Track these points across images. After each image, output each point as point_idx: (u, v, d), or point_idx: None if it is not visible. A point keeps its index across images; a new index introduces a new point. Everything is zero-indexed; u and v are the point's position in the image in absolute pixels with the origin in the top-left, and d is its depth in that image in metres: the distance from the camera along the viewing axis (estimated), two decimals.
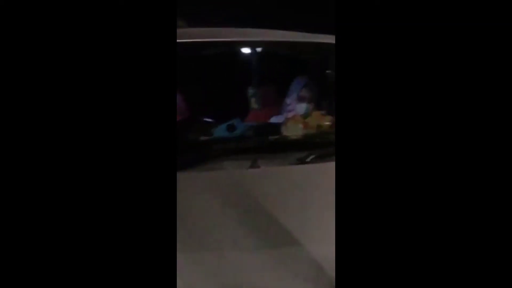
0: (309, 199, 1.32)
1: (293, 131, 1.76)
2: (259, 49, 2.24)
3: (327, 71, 2.38)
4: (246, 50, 2.27)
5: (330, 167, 1.54)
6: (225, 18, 2.50)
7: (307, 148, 1.58)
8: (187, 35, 1.83)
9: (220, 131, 1.69)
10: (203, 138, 1.64)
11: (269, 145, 1.66)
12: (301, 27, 2.16)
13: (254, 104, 2.27)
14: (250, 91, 2.30)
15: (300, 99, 2.06)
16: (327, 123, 1.88)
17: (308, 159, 1.52)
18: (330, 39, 2.10)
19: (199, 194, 0.94)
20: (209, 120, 1.84)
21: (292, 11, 3.88)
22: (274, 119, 2.06)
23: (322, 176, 1.47)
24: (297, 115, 1.98)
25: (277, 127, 1.81)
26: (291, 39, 2.09)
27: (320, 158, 1.54)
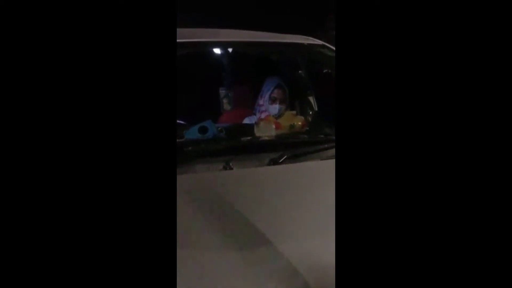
0: (282, 199, 1.31)
1: (266, 132, 1.76)
2: (230, 50, 2.23)
3: (299, 72, 2.39)
4: (217, 51, 2.26)
5: (303, 167, 1.56)
6: (196, 18, 2.48)
7: (280, 148, 1.58)
8: None
9: (192, 133, 1.67)
10: None
11: (241, 147, 1.65)
12: (273, 27, 2.16)
13: (226, 105, 2.26)
14: (222, 92, 2.29)
15: (272, 100, 2.06)
16: (299, 123, 1.88)
17: (281, 160, 1.52)
18: (301, 39, 2.11)
19: None
20: (181, 122, 1.82)
21: (264, 11, 3.88)
22: (246, 120, 2.06)
23: (296, 177, 1.47)
24: (270, 115, 1.98)
25: (249, 128, 1.81)
26: (262, 40, 2.09)
27: (293, 159, 1.54)
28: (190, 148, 1.58)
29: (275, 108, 2.03)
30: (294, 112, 2.10)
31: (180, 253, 1.04)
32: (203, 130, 1.66)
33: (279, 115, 1.97)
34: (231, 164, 1.47)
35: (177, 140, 1.63)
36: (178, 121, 1.80)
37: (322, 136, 1.78)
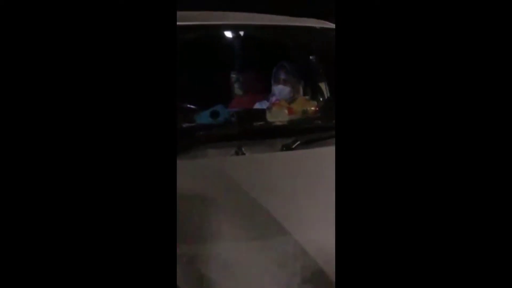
0: (295, 186, 1.30)
1: (278, 117, 1.74)
2: (242, 33, 2.20)
3: (311, 56, 2.36)
4: (228, 34, 2.23)
5: (316, 153, 1.54)
6: (207, 1, 2.45)
7: (293, 134, 1.56)
8: None
9: (203, 117, 1.66)
10: (185, 125, 1.61)
11: (253, 132, 1.63)
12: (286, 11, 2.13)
13: (237, 89, 2.24)
14: (233, 76, 2.26)
15: (285, 84, 2.03)
16: (312, 108, 1.86)
17: (294, 146, 1.50)
18: (313, 23, 2.08)
19: (182, 183, 0.91)
20: (192, 106, 1.80)
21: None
22: (258, 105, 2.03)
23: (308, 163, 1.45)
24: (282, 100, 1.96)
25: (261, 113, 1.78)
26: (274, 23, 2.06)
27: (306, 144, 1.52)
28: (201, 132, 1.57)
29: (287, 93, 2.01)
30: (307, 97, 2.08)
31: (191, 240, 1.04)
32: (214, 114, 1.64)
33: (291, 100, 1.95)
34: (243, 150, 1.45)
35: (188, 124, 1.62)
36: (189, 105, 1.79)
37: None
